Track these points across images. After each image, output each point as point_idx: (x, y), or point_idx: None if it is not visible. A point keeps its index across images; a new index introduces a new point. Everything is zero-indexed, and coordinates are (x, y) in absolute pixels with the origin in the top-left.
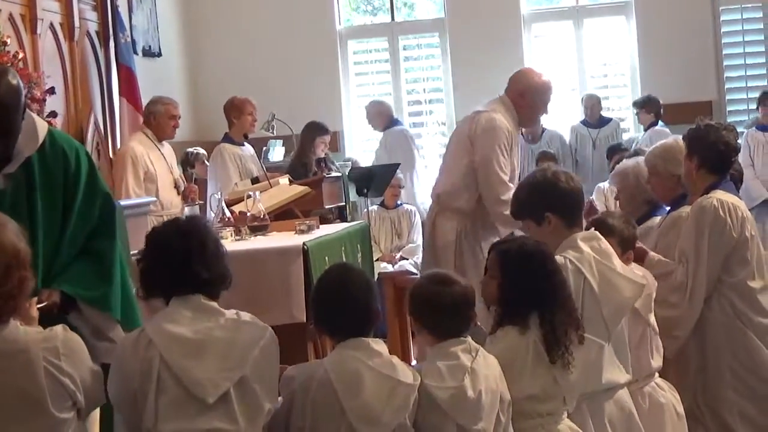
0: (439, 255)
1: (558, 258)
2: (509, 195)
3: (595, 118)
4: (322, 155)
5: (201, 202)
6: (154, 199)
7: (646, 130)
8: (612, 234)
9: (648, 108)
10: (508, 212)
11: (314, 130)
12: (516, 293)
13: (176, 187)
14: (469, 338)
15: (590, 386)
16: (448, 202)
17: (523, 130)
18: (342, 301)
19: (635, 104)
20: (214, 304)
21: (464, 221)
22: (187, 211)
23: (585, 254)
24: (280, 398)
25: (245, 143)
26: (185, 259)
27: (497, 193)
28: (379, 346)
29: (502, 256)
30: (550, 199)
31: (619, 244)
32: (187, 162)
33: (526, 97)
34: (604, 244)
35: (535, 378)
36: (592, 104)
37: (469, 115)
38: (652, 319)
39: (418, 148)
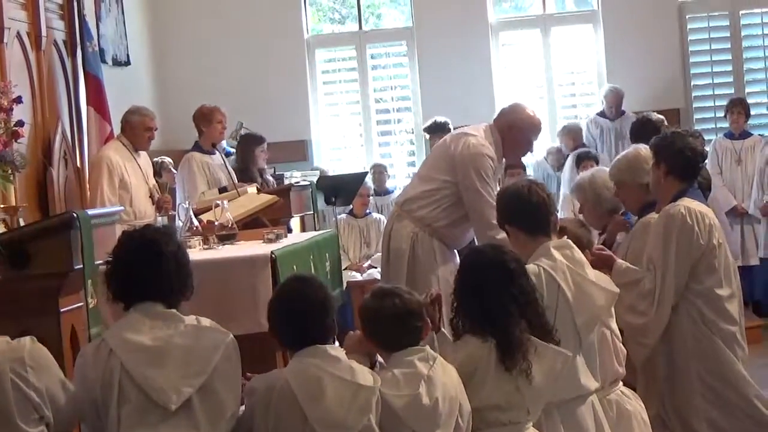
0: (393, 258)
1: (532, 267)
2: (497, 233)
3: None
4: (264, 165)
5: (174, 212)
6: (122, 208)
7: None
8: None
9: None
10: (498, 236)
11: (251, 141)
12: (473, 301)
13: (151, 196)
14: (427, 347)
15: (559, 395)
16: (412, 208)
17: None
18: (299, 314)
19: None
20: (174, 311)
21: (419, 230)
22: (159, 221)
23: (558, 263)
24: (242, 407)
25: (215, 152)
26: (145, 269)
27: (488, 217)
28: (337, 351)
29: (461, 264)
30: (507, 212)
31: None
32: (155, 171)
33: (513, 131)
34: (577, 252)
35: (497, 387)
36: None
37: (456, 134)
38: (614, 324)
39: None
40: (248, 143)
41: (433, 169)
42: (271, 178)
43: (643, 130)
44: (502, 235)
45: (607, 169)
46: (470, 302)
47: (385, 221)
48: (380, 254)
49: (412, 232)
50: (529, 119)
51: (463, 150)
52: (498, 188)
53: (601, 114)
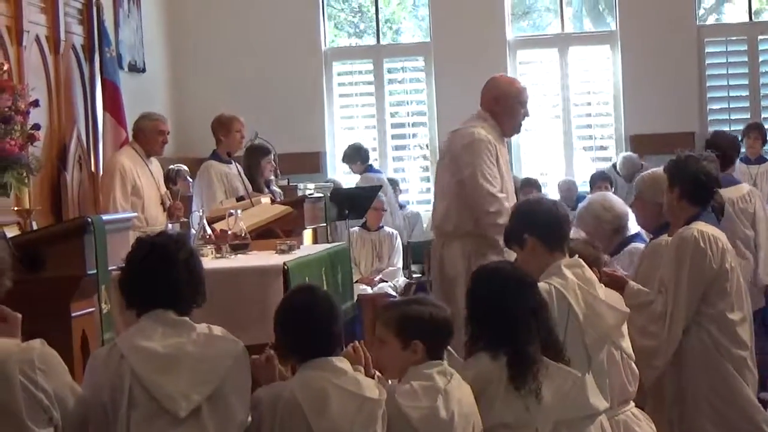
0: (450, 287)
1: (543, 285)
2: (498, 206)
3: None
4: (271, 177)
5: (185, 219)
6: (136, 214)
7: None
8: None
9: None
10: (499, 222)
11: (258, 152)
12: (484, 319)
13: (162, 203)
14: (445, 362)
15: (568, 414)
16: (448, 228)
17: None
18: (304, 324)
19: None
20: (186, 319)
21: (469, 246)
22: (170, 228)
23: (570, 281)
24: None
25: (231, 161)
26: (156, 276)
27: (484, 206)
28: (343, 363)
29: (472, 280)
30: (530, 221)
31: None
32: (168, 178)
33: (501, 103)
34: (588, 271)
35: (507, 405)
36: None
37: (448, 136)
38: (625, 344)
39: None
40: (255, 154)
41: (445, 178)
42: (278, 189)
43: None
44: (504, 219)
45: (606, 193)
46: (487, 319)
47: (398, 235)
48: (391, 268)
49: (464, 250)
50: (510, 86)
51: (457, 144)
52: (509, 177)
53: (615, 169)
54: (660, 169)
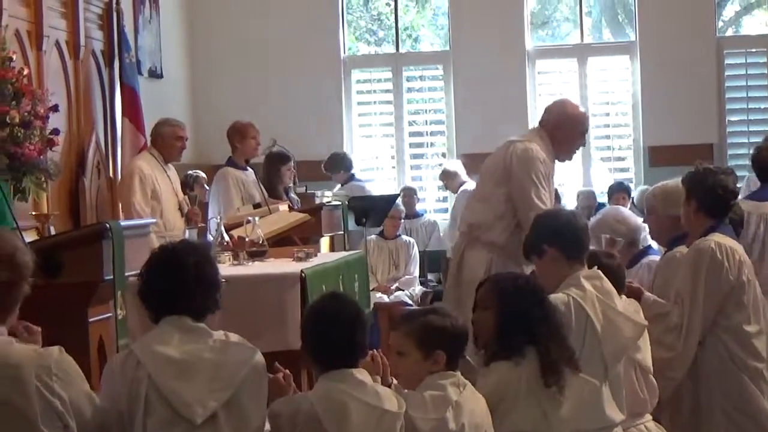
0: (465, 290)
1: (561, 296)
2: None
3: None
4: (290, 183)
5: (203, 225)
6: (155, 220)
7: None
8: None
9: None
10: None
11: (277, 160)
12: (513, 322)
13: (180, 208)
14: (458, 373)
15: (585, 424)
16: (480, 233)
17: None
18: (328, 332)
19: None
20: (203, 325)
21: (494, 254)
22: (188, 233)
23: (588, 293)
24: (267, 428)
25: (248, 168)
26: (167, 281)
27: None
28: (363, 375)
29: (497, 286)
30: (549, 232)
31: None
32: (186, 184)
33: (562, 129)
34: (606, 283)
35: (526, 413)
36: None
37: (503, 144)
38: (640, 356)
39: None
40: (274, 161)
41: (488, 185)
42: (295, 197)
43: None
44: None
45: (619, 207)
46: (510, 323)
47: (415, 244)
48: (408, 277)
49: (487, 258)
50: (575, 113)
51: (513, 157)
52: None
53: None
54: (670, 182)
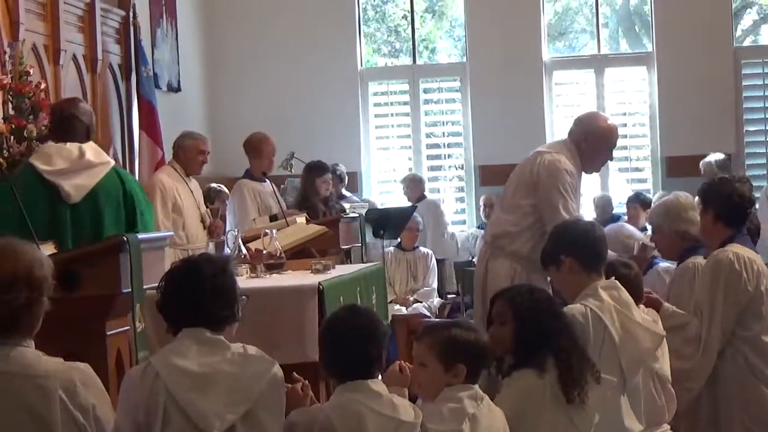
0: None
1: (579, 306)
2: None
3: None
4: (327, 194)
5: (225, 237)
6: (172, 233)
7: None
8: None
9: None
10: None
11: (313, 171)
12: (532, 334)
13: (202, 221)
14: (476, 386)
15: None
16: (504, 244)
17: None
18: (344, 344)
19: None
20: (221, 337)
21: (518, 265)
22: (211, 246)
23: (605, 303)
24: None
25: (266, 180)
26: (185, 293)
27: None
28: (379, 386)
29: (513, 300)
30: (567, 242)
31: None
32: (207, 198)
33: (590, 141)
34: (624, 293)
35: (553, 423)
36: None
37: (531, 155)
38: (658, 366)
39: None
40: (309, 173)
41: (515, 196)
42: (338, 205)
43: None
44: None
45: (622, 224)
46: (529, 335)
47: (433, 256)
48: (426, 289)
49: (511, 268)
50: (605, 127)
51: (540, 168)
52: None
53: None
54: (668, 197)
